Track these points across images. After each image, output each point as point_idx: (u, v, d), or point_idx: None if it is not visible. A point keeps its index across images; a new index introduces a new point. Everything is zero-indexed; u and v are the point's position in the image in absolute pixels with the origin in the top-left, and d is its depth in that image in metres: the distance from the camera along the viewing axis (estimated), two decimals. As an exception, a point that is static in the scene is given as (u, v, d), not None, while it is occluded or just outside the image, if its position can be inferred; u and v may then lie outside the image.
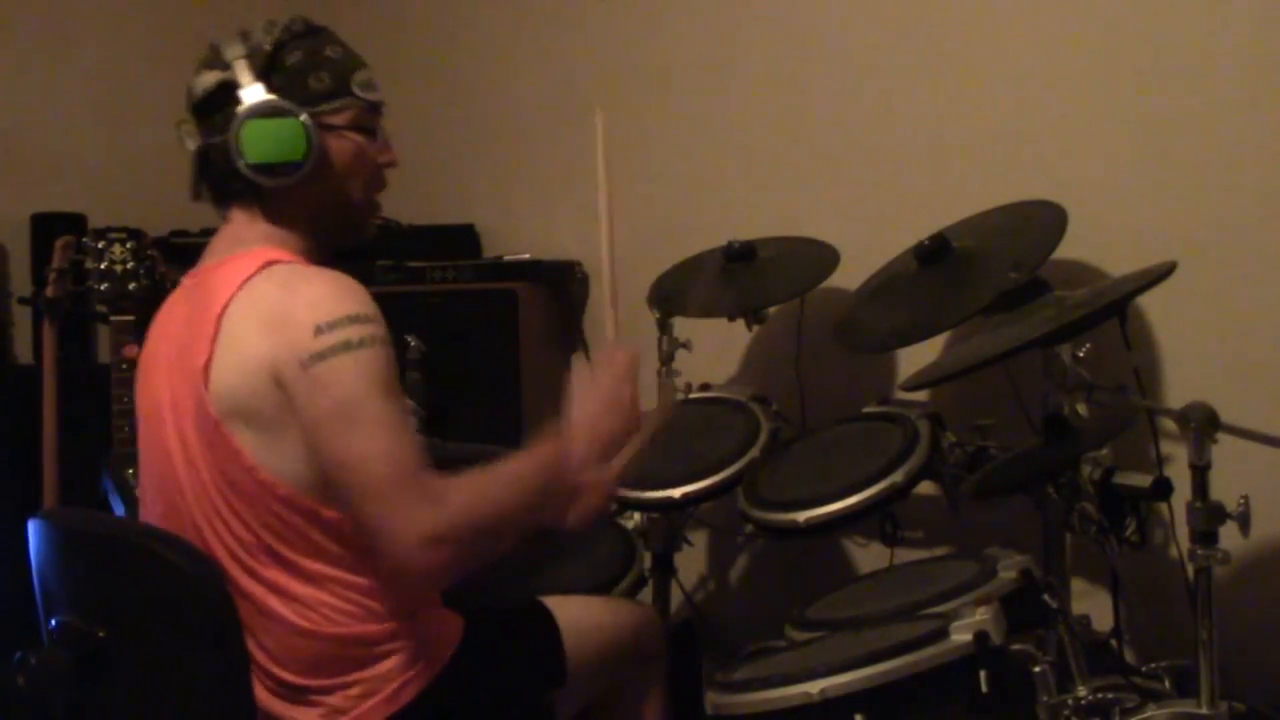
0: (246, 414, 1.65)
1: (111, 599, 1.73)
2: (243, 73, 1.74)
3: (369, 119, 1.82)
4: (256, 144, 1.72)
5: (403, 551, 1.59)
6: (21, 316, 3.29)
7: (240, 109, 1.72)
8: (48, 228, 3.16)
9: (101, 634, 1.68)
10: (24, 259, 3.33)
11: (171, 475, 1.73)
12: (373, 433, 1.61)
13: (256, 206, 1.77)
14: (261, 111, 1.72)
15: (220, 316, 1.67)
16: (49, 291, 2.69)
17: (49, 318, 2.70)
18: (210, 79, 1.76)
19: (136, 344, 2.59)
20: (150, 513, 1.80)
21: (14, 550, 1.85)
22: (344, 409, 1.61)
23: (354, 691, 1.70)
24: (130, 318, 2.59)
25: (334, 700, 1.70)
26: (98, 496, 2.53)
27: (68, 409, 2.68)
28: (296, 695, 1.70)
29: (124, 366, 2.55)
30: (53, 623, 1.73)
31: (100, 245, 2.59)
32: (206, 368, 1.66)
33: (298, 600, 1.68)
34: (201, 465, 1.69)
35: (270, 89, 1.73)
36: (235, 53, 1.75)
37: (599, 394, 1.80)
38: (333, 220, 1.82)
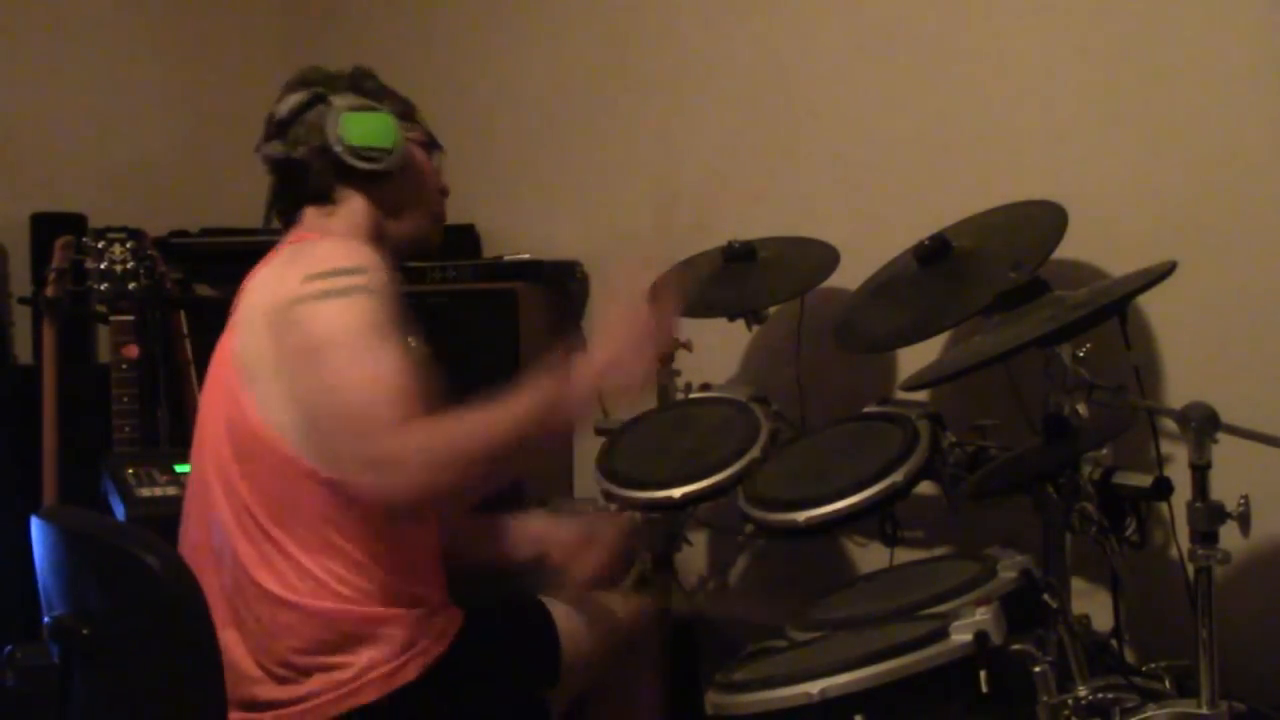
0: (253, 368, 1.75)
1: (94, 597, 1.75)
2: (331, 87, 1.92)
3: (430, 147, 2.02)
4: (354, 129, 1.88)
5: (388, 467, 1.59)
6: (21, 316, 3.30)
7: (335, 105, 1.89)
8: (48, 228, 3.16)
9: (85, 631, 1.70)
10: (24, 259, 3.34)
11: (200, 442, 1.85)
12: (343, 368, 1.64)
13: (331, 204, 1.90)
14: (356, 107, 1.90)
15: (247, 284, 1.83)
16: (49, 291, 2.69)
17: (49, 318, 2.71)
18: (297, 97, 1.91)
19: (136, 344, 2.59)
20: (191, 484, 1.88)
21: (14, 549, 1.85)
22: (314, 346, 1.67)
23: (343, 674, 1.72)
24: (130, 318, 2.60)
25: (317, 682, 1.72)
26: (98, 496, 2.53)
27: (68, 409, 2.68)
28: (284, 676, 1.73)
29: (124, 366, 2.55)
30: (45, 619, 1.76)
31: (100, 245, 2.59)
32: (235, 330, 1.80)
33: (293, 571, 1.72)
34: (223, 427, 1.78)
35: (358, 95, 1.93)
36: (317, 76, 1.94)
37: (627, 335, 1.76)
38: (394, 231, 1.94)
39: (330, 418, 1.66)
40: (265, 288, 1.79)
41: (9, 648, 1.71)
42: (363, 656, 1.73)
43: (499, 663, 1.84)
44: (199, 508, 1.83)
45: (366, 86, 1.96)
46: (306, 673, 1.72)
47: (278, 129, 1.92)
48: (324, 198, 1.91)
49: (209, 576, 1.74)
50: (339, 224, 1.90)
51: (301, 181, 1.91)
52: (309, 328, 1.69)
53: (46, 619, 1.75)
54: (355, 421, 1.62)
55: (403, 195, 1.95)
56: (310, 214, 1.92)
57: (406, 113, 2.00)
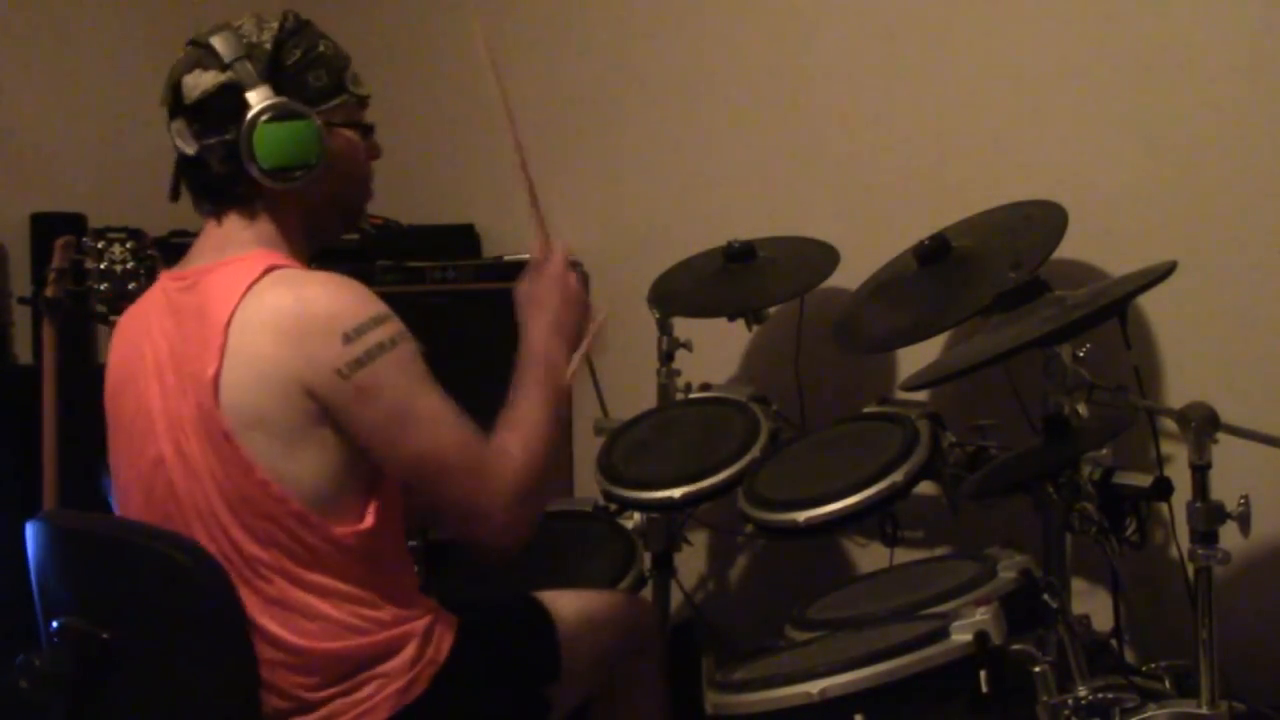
0: (266, 425, 1.63)
1: (115, 600, 1.71)
2: (246, 74, 1.70)
3: (360, 114, 1.83)
4: (271, 147, 1.68)
5: (500, 520, 1.70)
6: (21, 316, 3.29)
7: (252, 112, 1.68)
8: (48, 228, 3.15)
9: (105, 636, 1.65)
10: (24, 259, 3.33)
11: (166, 487, 1.70)
12: (434, 424, 1.67)
13: (253, 208, 1.75)
14: (276, 114, 1.69)
15: (227, 326, 1.64)
16: (49, 291, 2.68)
17: (49, 318, 2.70)
18: (209, 80, 1.71)
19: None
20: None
21: (14, 551, 1.84)
22: (401, 410, 1.65)
23: (359, 695, 1.69)
24: (130, 318, 2.59)
25: (329, 709, 1.68)
26: (98, 497, 2.53)
27: (68, 409, 2.67)
28: (294, 707, 1.68)
29: (124, 366, 2.54)
30: (54, 625, 1.70)
31: (100, 245, 2.58)
32: (216, 379, 1.63)
33: (298, 615, 1.66)
34: (205, 478, 1.66)
35: (277, 91, 1.71)
36: (233, 52, 1.70)
37: (550, 293, 1.88)
38: (328, 219, 1.82)
39: (457, 479, 1.69)
40: (270, 333, 1.63)
41: (20, 656, 1.67)
42: (377, 679, 1.70)
43: (498, 659, 1.83)
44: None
45: (289, 64, 1.73)
46: (318, 705, 1.68)
47: (186, 110, 1.73)
48: (241, 202, 1.74)
49: None
50: (266, 235, 1.75)
51: (214, 178, 1.73)
52: (387, 395, 1.64)
53: (55, 624, 1.69)
54: (481, 472, 1.69)
55: (325, 194, 1.78)
56: (232, 217, 1.75)
57: (335, 81, 1.77)
